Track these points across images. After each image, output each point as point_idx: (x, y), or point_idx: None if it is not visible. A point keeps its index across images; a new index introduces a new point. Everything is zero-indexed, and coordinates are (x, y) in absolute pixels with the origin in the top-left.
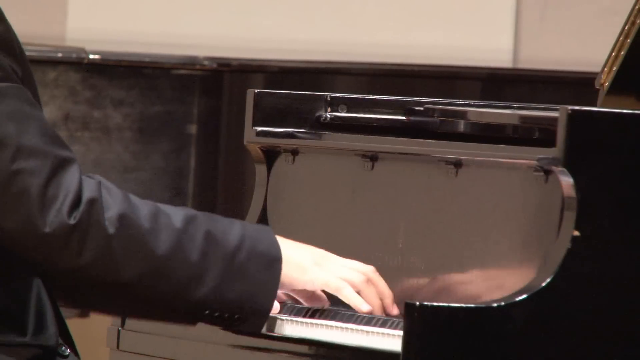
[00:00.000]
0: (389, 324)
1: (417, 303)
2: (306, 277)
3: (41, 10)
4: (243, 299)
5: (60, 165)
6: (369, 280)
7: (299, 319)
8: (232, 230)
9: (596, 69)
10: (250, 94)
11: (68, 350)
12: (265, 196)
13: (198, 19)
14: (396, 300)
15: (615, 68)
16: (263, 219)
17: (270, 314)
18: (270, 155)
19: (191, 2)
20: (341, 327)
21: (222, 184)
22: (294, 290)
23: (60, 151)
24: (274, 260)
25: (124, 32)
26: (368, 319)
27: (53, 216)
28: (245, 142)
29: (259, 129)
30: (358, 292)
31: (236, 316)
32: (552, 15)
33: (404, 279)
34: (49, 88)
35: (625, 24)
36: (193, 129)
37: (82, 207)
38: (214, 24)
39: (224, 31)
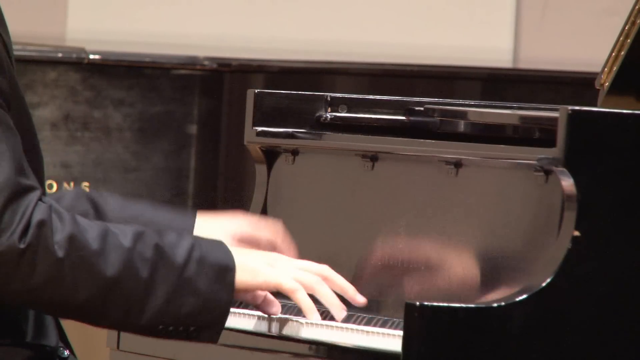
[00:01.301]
0: (389, 324)
1: (417, 303)
2: (260, 278)
3: (41, 10)
4: (196, 311)
5: (21, 191)
6: (324, 279)
7: (299, 319)
8: (181, 243)
9: (596, 69)
10: (251, 94)
11: (67, 352)
12: (266, 196)
13: (198, 19)
14: (396, 300)
15: (615, 68)
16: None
17: (276, 315)
18: (271, 156)
19: (191, 2)
20: (341, 327)
21: (222, 184)
22: (246, 295)
23: (22, 179)
24: (226, 270)
25: (124, 32)
26: (368, 319)
27: (5, 239)
28: (245, 142)
29: (259, 129)
30: (312, 293)
31: (191, 328)
32: (552, 15)
33: (404, 279)
34: (49, 88)
35: (625, 24)
36: (193, 129)
37: (31, 230)
38: (214, 24)
39: (224, 31)
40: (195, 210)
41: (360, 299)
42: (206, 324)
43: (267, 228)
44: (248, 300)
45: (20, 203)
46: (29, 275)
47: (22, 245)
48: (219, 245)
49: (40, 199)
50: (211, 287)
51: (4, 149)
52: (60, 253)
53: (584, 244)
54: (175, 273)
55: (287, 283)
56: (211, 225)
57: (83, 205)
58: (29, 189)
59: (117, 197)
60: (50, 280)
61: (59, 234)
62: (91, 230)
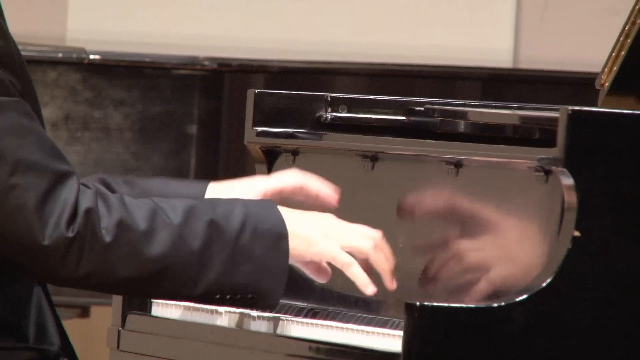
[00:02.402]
0: (389, 324)
1: (418, 303)
2: (313, 249)
3: (41, 10)
4: (252, 280)
5: (58, 179)
6: (376, 246)
7: (300, 319)
8: (234, 212)
9: (596, 69)
10: (251, 94)
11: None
12: None
13: (198, 19)
14: (397, 300)
15: (615, 68)
16: None
17: (272, 315)
18: (271, 156)
19: (191, 2)
20: (341, 327)
21: None
22: (301, 262)
23: (58, 165)
24: (280, 237)
25: (124, 32)
26: (368, 319)
27: (52, 229)
28: (245, 142)
29: (260, 129)
30: (367, 259)
31: (249, 296)
32: (552, 15)
33: (404, 279)
34: (49, 88)
35: (626, 24)
36: (193, 129)
37: (79, 219)
38: (214, 24)
39: (224, 31)
40: (208, 180)
41: (392, 285)
42: (264, 292)
43: (288, 177)
44: (301, 266)
45: (61, 192)
46: (77, 263)
47: (70, 234)
48: (271, 210)
49: (83, 184)
50: (266, 254)
51: (33, 139)
52: (108, 238)
53: (584, 244)
54: (229, 244)
55: (340, 257)
56: (231, 191)
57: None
58: (67, 175)
59: (127, 177)
60: (98, 266)
61: (106, 220)
62: (139, 211)
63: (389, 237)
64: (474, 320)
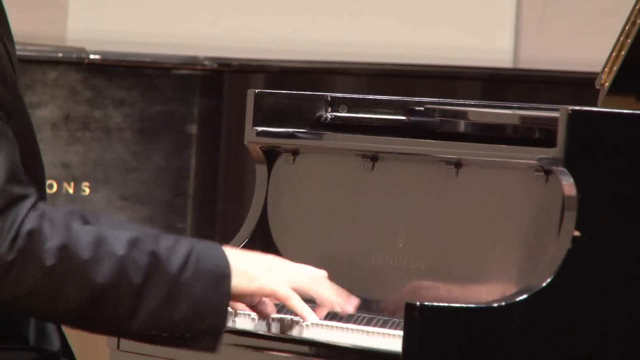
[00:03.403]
0: (389, 324)
1: (418, 303)
2: (255, 285)
3: (41, 10)
4: (191, 318)
5: (12, 201)
6: (318, 281)
7: (299, 319)
8: (177, 248)
9: (596, 69)
10: (251, 94)
11: None
12: (266, 196)
13: (198, 19)
14: (397, 300)
15: (615, 68)
16: (263, 219)
17: (273, 315)
18: (271, 156)
19: (191, 2)
20: (341, 327)
21: (223, 184)
22: (243, 300)
23: (14, 188)
24: (222, 278)
25: (125, 32)
26: (368, 319)
27: None
28: (245, 142)
29: (260, 129)
30: (311, 293)
31: (187, 335)
32: (552, 15)
33: (404, 279)
34: (50, 88)
35: (626, 24)
36: (193, 129)
37: (20, 240)
38: (214, 24)
39: (224, 31)
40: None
41: (348, 309)
42: (202, 331)
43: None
44: (245, 302)
45: (10, 213)
46: (17, 283)
47: (11, 256)
48: (215, 249)
49: (33, 207)
50: (206, 293)
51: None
52: (49, 261)
53: (584, 244)
54: (170, 280)
55: (281, 290)
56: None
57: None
58: (20, 198)
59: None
60: (39, 288)
61: (50, 242)
62: (84, 238)
63: (389, 237)
64: (474, 320)
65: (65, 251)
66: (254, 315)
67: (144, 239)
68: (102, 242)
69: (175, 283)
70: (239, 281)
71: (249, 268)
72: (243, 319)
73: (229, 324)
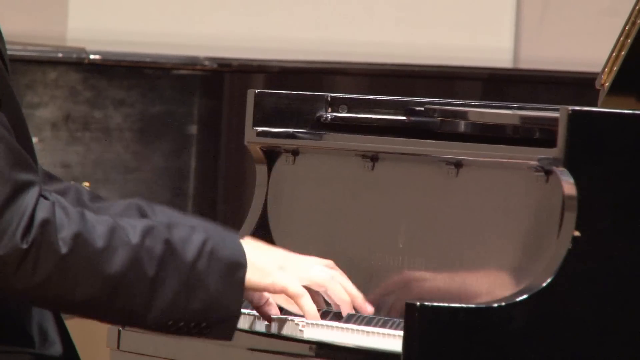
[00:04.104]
0: (389, 324)
1: (418, 303)
2: (268, 280)
3: (41, 10)
4: (207, 307)
5: (19, 188)
6: (333, 278)
7: (300, 319)
8: (192, 237)
9: (596, 69)
10: (251, 94)
11: None
12: (266, 196)
13: (198, 19)
14: (397, 301)
15: (615, 68)
16: (263, 219)
17: (275, 316)
18: (271, 156)
19: (191, 2)
20: (341, 327)
21: (223, 184)
22: (253, 295)
23: (21, 175)
24: (238, 266)
25: (125, 32)
26: (369, 319)
27: (7, 240)
28: (245, 142)
29: (260, 129)
30: (325, 291)
31: (203, 324)
32: (552, 15)
33: (404, 279)
34: (50, 88)
35: (626, 24)
36: (194, 129)
37: (34, 229)
38: (214, 24)
39: (224, 31)
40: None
41: (368, 309)
42: (217, 320)
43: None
44: (254, 299)
45: (19, 201)
46: (31, 273)
47: (24, 246)
48: (231, 239)
49: (42, 195)
50: (221, 283)
51: (1, 147)
52: (64, 250)
53: (584, 244)
54: (185, 269)
55: (293, 287)
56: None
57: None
58: (27, 185)
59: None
60: (53, 277)
61: (65, 231)
62: (99, 227)
63: (389, 237)
64: (474, 320)
65: (79, 240)
66: (254, 314)
67: (159, 228)
68: (116, 231)
69: (190, 272)
70: (251, 275)
71: (263, 263)
72: (243, 319)
73: None
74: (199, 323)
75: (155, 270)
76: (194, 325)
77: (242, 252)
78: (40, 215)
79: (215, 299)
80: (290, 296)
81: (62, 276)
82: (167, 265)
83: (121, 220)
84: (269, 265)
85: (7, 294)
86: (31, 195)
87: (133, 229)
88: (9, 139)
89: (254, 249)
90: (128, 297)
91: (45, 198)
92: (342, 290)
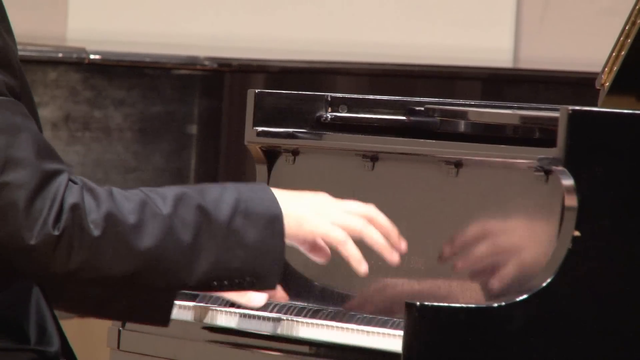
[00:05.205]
0: (389, 324)
1: (418, 303)
2: (306, 228)
3: (41, 10)
4: (248, 264)
5: (48, 177)
6: (370, 221)
7: (300, 319)
8: (224, 197)
9: (596, 69)
10: (251, 94)
11: None
12: None
13: (198, 19)
14: (397, 301)
15: (615, 68)
16: None
17: (273, 315)
18: (271, 156)
19: (191, 2)
20: (341, 327)
21: None
22: (298, 242)
23: (49, 163)
24: (274, 218)
25: (125, 32)
26: (368, 319)
27: (39, 228)
28: (245, 142)
29: (260, 129)
30: (361, 238)
31: (247, 279)
32: (552, 15)
33: (404, 279)
34: (50, 88)
35: (626, 24)
36: (194, 129)
37: (65, 215)
38: (214, 24)
39: (224, 31)
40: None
41: (403, 246)
42: (261, 274)
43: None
44: (299, 246)
45: (49, 190)
46: (67, 259)
47: (56, 232)
48: (263, 192)
49: (70, 180)
50: (261, 237)
51: (25, 137)
52: (96, 232)
53: (584, 244)
54: (221, 231)
55: (333, 234)
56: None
57: None
58: (55, 173)
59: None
60: (90, 259)
61: (94, 213)
62: (128, 203)
63: None
64: (474, 320)
65: (110, 219)
66: (254, 314)
67: (189, 194)
68: (147, 204)
69: (228, 232)
70: (289, 224)
71: (298, 210)
72: (244, 319)
73: (229, 324)
74: (242, 279)
75: (191, 237)
76: (238, 282)
77: (277, 205)
78: (70, 200)
79: (256, 254)
80: (332, 244)
81: (98, 258)
82: (202, 230)
83: (151, 192)
84: (304, 213)
85: (51, 280)
86: (60, 182)
87: (163, 199)
88: (34, 129)
89: (287, 198)
90: (168, 267)
91: (74, 182)
92: (378, 236)
